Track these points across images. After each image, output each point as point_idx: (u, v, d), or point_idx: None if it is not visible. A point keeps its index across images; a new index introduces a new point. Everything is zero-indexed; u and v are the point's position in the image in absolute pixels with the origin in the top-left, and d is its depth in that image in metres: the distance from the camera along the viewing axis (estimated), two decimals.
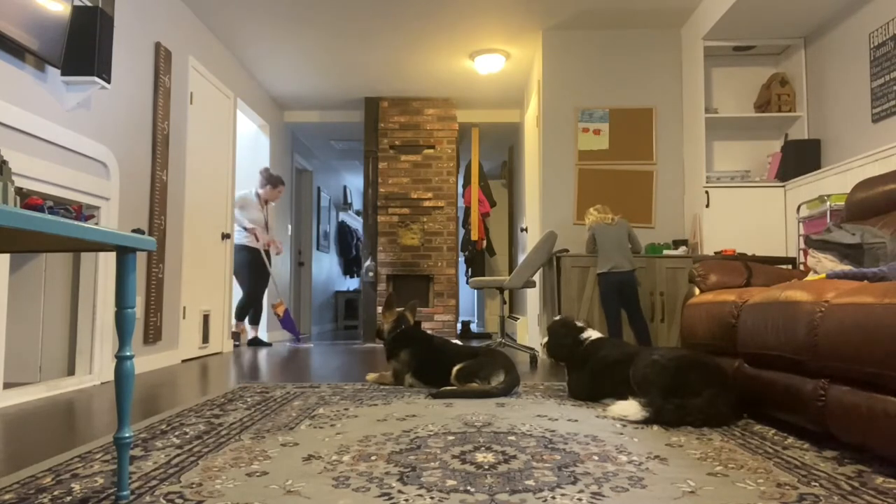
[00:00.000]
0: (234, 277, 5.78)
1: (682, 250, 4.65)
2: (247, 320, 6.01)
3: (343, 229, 10.95)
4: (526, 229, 6.45)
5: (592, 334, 2.94)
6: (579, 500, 1.40)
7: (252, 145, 6.69)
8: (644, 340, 4.08)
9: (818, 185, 3.96)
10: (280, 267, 7.14)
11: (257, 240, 5.94)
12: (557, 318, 3.13)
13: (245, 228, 5.91)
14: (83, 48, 3.15)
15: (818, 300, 1.89)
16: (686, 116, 4.99)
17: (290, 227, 7.73)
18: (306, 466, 1.68)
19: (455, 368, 2.99)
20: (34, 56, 2.94)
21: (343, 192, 10.92)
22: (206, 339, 5.07)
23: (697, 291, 3.04)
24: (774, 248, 4.35)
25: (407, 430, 2.13)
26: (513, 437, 2.01)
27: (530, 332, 6.08)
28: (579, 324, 3.00)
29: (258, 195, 6.08)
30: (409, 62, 5.89)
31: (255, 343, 6.03)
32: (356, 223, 11.44)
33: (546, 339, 3.05)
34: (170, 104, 4.41)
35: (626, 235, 4.25)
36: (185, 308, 4.66)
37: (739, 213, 4.48)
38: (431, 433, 2.07)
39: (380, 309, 6.49)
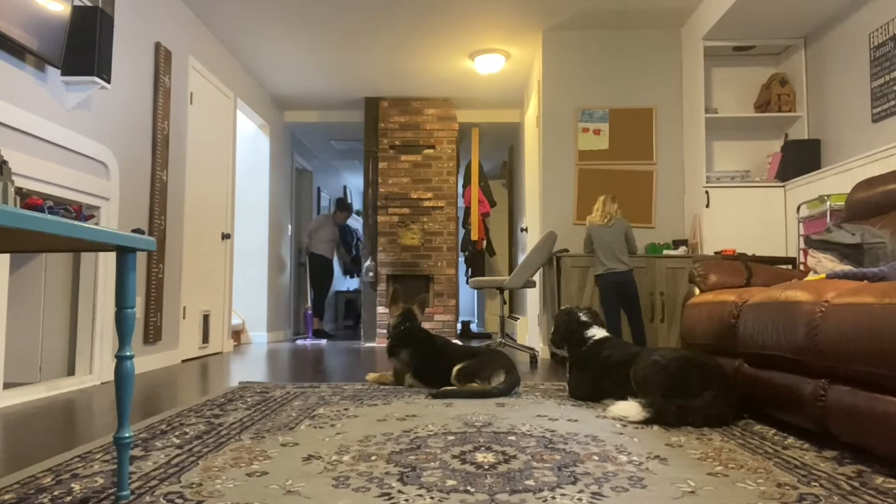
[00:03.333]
0: (313, 280, 7.51)
1: (682, 250, 4.65)
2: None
3: (343, 229, 10.92)
4: (526, 229, 6.45)
5: (598, 333, 2.90)
6: (579, 500, 1.40)
7: (252, 145, 6.69)
8: (639, 341, 4.08)
9: (818, 185, 3.96)
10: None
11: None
12: (564, 307, 3.13)
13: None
14: (83, 48, 3.15)
15: (818, 300, 1.89)
16: (686, 116, 4.99)
17: (290, 227, 7.73)
18: (306, 466, 1.68)
19: (455, 368, 2.99)
20: (34, 56, 2.94)
21: (343, 192, 10.91)
22: (206, 339, 5.07)
23: (697, 291, 3.04)
24: (774, 248, 4.35)
25: (407, 430, 2.13)
26: (513, 437, 2.00)
27: (530, 332, 6.08)
28: (584, 318, 2.96)
29: (333, 218, 7.86)
30: (410, 62, 5.89)
31: (321, 335, 7.22)
32: (356, 223, 11.42)
33: (553, 328, 3.05)
34: (170, 104, 4.41)
35: (622, 236, 4.24)
36: (185, 308, 4.66)
37: (739, 213, 4.47)
38: (431, 433, 2.07)
39: (380, 309, 6.54)
